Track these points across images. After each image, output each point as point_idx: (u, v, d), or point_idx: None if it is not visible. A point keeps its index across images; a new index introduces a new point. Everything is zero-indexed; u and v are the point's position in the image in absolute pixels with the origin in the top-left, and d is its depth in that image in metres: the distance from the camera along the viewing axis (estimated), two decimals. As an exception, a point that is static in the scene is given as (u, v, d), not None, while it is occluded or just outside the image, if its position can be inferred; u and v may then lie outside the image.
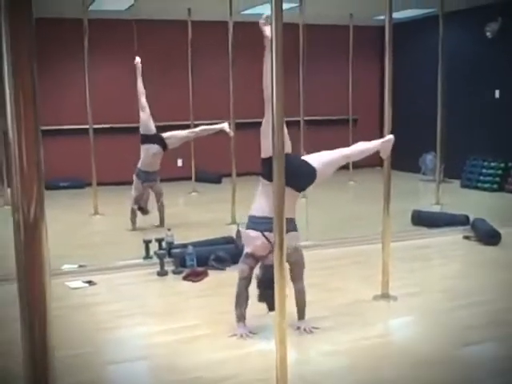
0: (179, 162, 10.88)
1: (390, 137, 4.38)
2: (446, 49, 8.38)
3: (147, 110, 7.07)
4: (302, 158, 4.06)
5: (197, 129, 7.66)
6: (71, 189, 9.95)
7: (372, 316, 4.27)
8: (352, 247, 6.10)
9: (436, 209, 7.93)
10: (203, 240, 5.82)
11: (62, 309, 4.25)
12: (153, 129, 7.09)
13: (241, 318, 3.89)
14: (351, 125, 10.78)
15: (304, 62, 8.24)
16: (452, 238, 6.46)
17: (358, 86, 10.78)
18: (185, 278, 5.15)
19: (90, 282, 5.07)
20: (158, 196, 7.19)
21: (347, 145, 4.50)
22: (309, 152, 4.22)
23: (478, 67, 10.05)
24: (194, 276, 5.16)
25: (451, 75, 8.78)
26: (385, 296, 4.57)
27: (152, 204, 7.19)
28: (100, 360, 3.62)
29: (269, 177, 3.25)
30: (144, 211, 7.12)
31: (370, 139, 4.43)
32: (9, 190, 6.16)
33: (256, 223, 3.73)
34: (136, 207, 7.06)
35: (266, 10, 10.03)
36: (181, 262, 5.35)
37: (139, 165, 7.08)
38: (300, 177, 3.85)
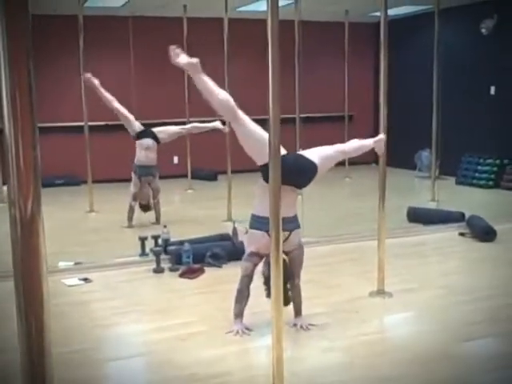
0: (175, 160, 10.88)
1: (381, 136, 4.43)
2: (442, 45, 8.38)
3: (125, 111, 7.07)
4: (301, 153, 4.07)
5: (188, 125, 7.67)
6: (66, 186, 9.93)
7: (368, 312, 4.27)
8: (348, 244, 6.11)
9: (432, 205, 7.95)
10: (199, 237, 5.82)
11: (58, 306, 4.25)
12: (139, 126, 7.10)
13: (239, 314, 3.89)
14: (347, 121, 10.78)
15: (299, 59, 8.23)
16: (448, 234, 6.48)
17: (353, 82, 10.78)
18: (181, 275, 5.15)
19: (86, 280, 5.07)
20: (155, 193, 7.19)
21: (343, 141, 4.51)
22: (305, 149, 4.23)
23: (474, 64, 10.06)
24: (191, 273, 5.16)
25: (446, 72, 8.78)
26: (380, 292, 4.58)
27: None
28: (96, 357, 3.62)
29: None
30: (146, 208, 7.13)
31: (365, 136, 4.45)
32: (4, 188, 6.12)
33: (260, 223, 3.73)
34: (134, 204, 7.07)
35: (261, 6, 10.08)
36: (177, 259, 5.34)
37: (135, 161, 7.10)
38: (302, 174, 3.87)
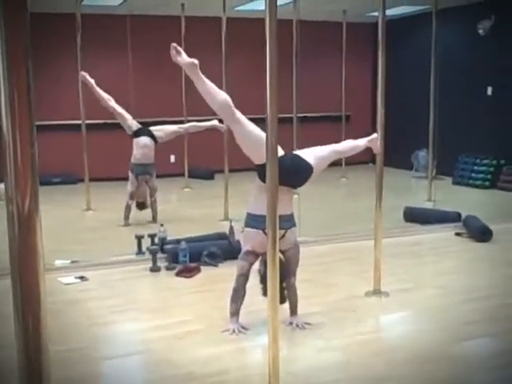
0: (172, 159, 10.87)
1: (374, 135, 4.46)
2: (439, 46, 8.39)
3: (122, 110, 7.07)
4: (296, 153, 4.08)
5: (186, 125, 7.67)
6: (63, 184, 9.92)
7: (364, 312, 4.28)
8: (344, 243, 6.12)
9: (428, 205, 7.96)
10: (196, 236, 5.82)
11: (55, 304, 4.24)
12: (135, 124, 7.10)
13: (235, 313, 3.90)
14: (344, 121, 10.79)
15: (297, 59, 8.23)
16: (444, 234, 6.48)
17: (350, 82, 10.79)
18: (177, 274, 5.15)
19: (82, 278, 5.07)
20: (152, 191, 7.19)
21: (340, 141, 4.52)
22: (301, 149, 4.24)
23: (471, 64, 10.07)
24: (187, 272, 5.16)
25: (444, 72, 8.79)
26: (377, 292, 4.59)
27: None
28: (93, 355, 3.62)
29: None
30: (143, 206, 7.14)
31: (362, 136, 4.47)
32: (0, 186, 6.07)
33: (256, 221, 3.74)
34: (131, 203, 7.07)
35: (259, 5, 10.06)
36: (173, 258, 5.34)
37: (132, 159, 7.09)
38: (298, 175, 3.89)
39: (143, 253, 5.62)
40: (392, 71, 6.32)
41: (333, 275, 5.14)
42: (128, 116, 7.11)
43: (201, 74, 3.73)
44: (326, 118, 11.68)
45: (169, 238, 5.69)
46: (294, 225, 3.90)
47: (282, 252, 3.70)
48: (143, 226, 6.73)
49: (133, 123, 7.10)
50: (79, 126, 8.06)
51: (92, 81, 7.08)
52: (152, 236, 5.71)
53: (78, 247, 6.01)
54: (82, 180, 8.23)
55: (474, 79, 10.02)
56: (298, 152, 4.12)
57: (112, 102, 7.00)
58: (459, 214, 6.85)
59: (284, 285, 3.81)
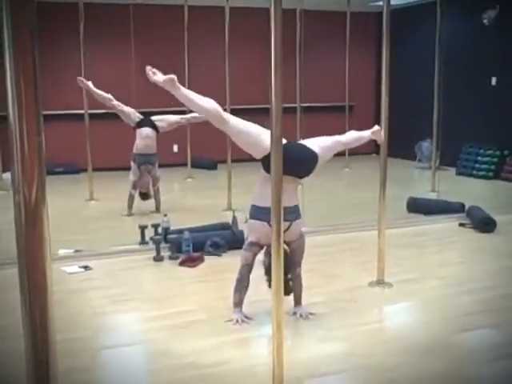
0: (175, 148, 10.87)
1: (377, 127, 4.45)
2: (443, 36, 8.35)
3: (123, 106, 7.05)
4: (301, 142, 4.08)
5: (188, 115, 7.65)
6: (66, 174, 9.93)
7: (368, 302, 4.28)
8: (348, 234, 6.12)
9: (432, 196, 7.95)
10: (199, 226, 5.82)
11: (59, 293, 4.22)
12: (138, 116, 7.08)
13: (238, 303, 3.90)
14: (348, 111, 10.76)
15: (301, 48, 8.20)
16: (447, 225, 6.48)
17: (354, 72, 10.74)
18: (181, 264, 5.16)
19: (86, 267, 5.08)
20: (155, 181, 7.19)
21: (343, 131, 4.51)
22: (305, 139, 4.23)
23: (475, 54, 10.04)
24: (190, 262, 5.16)
25: (448, 62, 8.75)
26: (380, 282, 4.59)
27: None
28: (96, 344, 3.63)
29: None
30: (146, 196, 7.15)
31: (366, 126, 4.46)
32: (4, 175, 6.09)
33: (261, 213, 3.73)
34: (134, 192, 7.08)
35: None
36: (177, 248, 5.34)
37: (134, 149, 7.09)
38: (303, 164, 3.88)
39: (146, 242, 5.63)
40: (396, 61, 6.29)
41: (336, 265, 5.14)
42: (130, 110, 7.08)
43: (181, 87, 3.75)
44: (329, 108, 11.66)
45: (172, 228, 5.69)
46: (299, 216, 3.88)
47: (286, 243, 3.69)
48: (146, 216, 6.74)
49: (135, 116, 7.08)
50: (82, 115, 8.05)
51: (89, 83, 7.08)
52: (155, 226, 5.72)
53: (81, 237, 6.02)
54: (85, 170, 8.23)
55: (479, 69, 9.99)
56: (302, 141, 4.11)
57: (114, 101, 7.00)
58: (463, 205, 6.84)
59: (289, 276, 3.81)
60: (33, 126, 1.27)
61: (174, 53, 9.93)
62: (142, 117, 7.13)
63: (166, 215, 5.81)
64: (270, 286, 3.67)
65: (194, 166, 9.84)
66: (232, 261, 4.55)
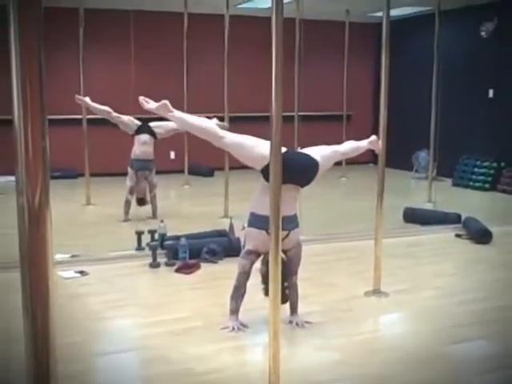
0: (172, 155, 10.86)
1: (374, 137, 4.45)
2: (441, 47, 8.39)
3: (122, 117, 7.06)
4: (301, 151, 4.09)
5: None
6: (64, 179, 9.90)
7: (363, 312, 4.29)
8: (344, 243, 6.12)
9: (428, 206, 7.96)
10: (196, 232, 5.82)
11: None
12: (136, 123, 7.09)
13: (234, 311, 3.90)
14: (345, 121, 10.79)
15: (300, 58, 8.23)
16: (444, 235, 6.49)
17: (352, 82, 10.77)
18: (177, 271, 5.15)
19: (82, 272, 5.07)
20: (152, 187, 7.19)
21: (341, 141, 4.53)
22: (303, 147, 4.24)
23: (473, 66, 10.08)
24: (187, 268, 5.16)
25: (446, 73, 8.79)
26: (376, 292, 4.59)
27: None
28: (91, 350, 3.62)
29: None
30: (142, 202, 7.15)
31: (364, 135, 4.48)
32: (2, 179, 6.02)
33: (259, 221, 3.74)
34: (130, 197, 7.08)
35: (261, 3, 9.99)
36: (173, 254, 5.34)
37: (132, 155, 7.10)
38: (305, 172, 3.88)
39: (143, 248, 5.62)
40: (394, 72, 6.32)
41: (332, 274, 5.14)
42: (128, 119, 7.08)
43: (175, 110, 3.80)
44: (327, 117, 11.68)
45: (169, 235, 5.69)
46: (297, 225, 3.89)
47: (284, 251, 3.70)
48: (143, 222, 6.73)
49: (133, 123, 7.09)
50: (80, 120, 8.06)
51: (87, 99, 7.11)
52: (152, 232, 5.72)
53: (78, 242, 6.00)
54: (83, 175, 8.24)
55: (476, 81, 10.03)
56: (304, 150, 4.12)
57: (112, 114, 7.01)
58: (459, 216, 6.85)
59: (286, 284, 3.81)
60: (38, 130, 1.27)
61: (173, 60, 9.95)
62: (139, 123, 7.13)
63: (162, 221, 5.80)
64: (266, 294, 3.68)
65: (191, 172, 9.83)
66: (228, 268, 4.55)
